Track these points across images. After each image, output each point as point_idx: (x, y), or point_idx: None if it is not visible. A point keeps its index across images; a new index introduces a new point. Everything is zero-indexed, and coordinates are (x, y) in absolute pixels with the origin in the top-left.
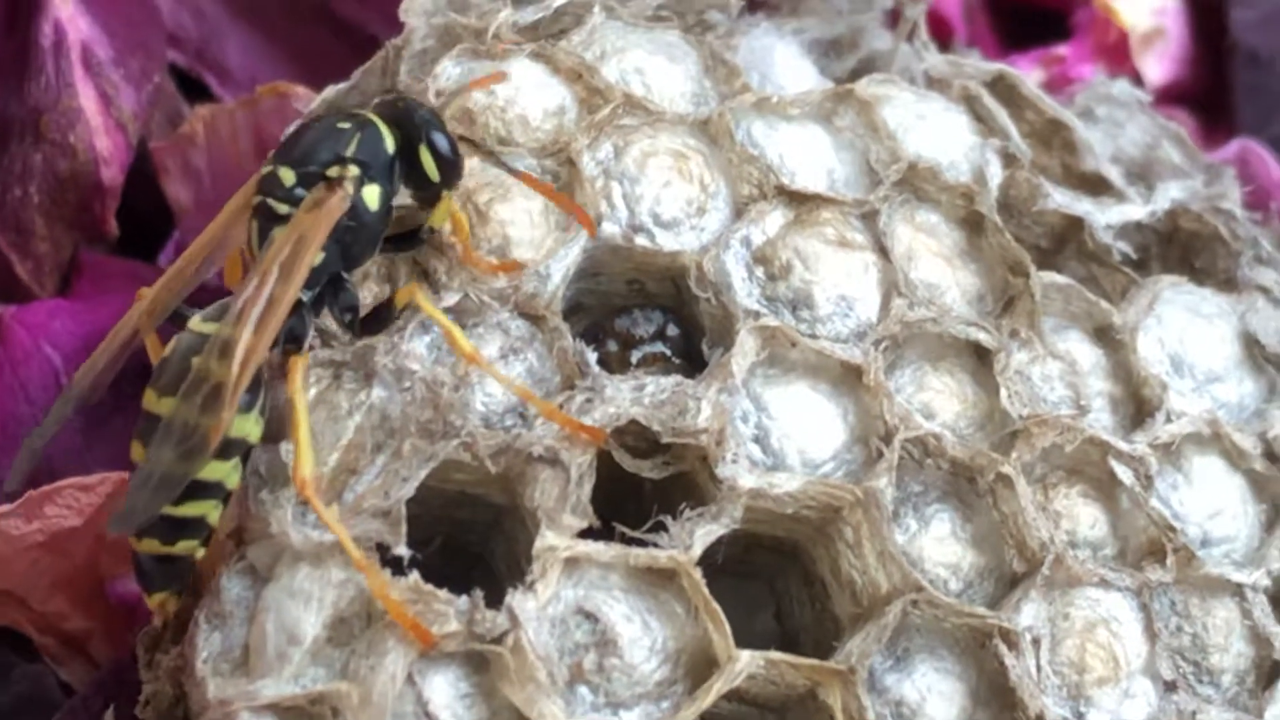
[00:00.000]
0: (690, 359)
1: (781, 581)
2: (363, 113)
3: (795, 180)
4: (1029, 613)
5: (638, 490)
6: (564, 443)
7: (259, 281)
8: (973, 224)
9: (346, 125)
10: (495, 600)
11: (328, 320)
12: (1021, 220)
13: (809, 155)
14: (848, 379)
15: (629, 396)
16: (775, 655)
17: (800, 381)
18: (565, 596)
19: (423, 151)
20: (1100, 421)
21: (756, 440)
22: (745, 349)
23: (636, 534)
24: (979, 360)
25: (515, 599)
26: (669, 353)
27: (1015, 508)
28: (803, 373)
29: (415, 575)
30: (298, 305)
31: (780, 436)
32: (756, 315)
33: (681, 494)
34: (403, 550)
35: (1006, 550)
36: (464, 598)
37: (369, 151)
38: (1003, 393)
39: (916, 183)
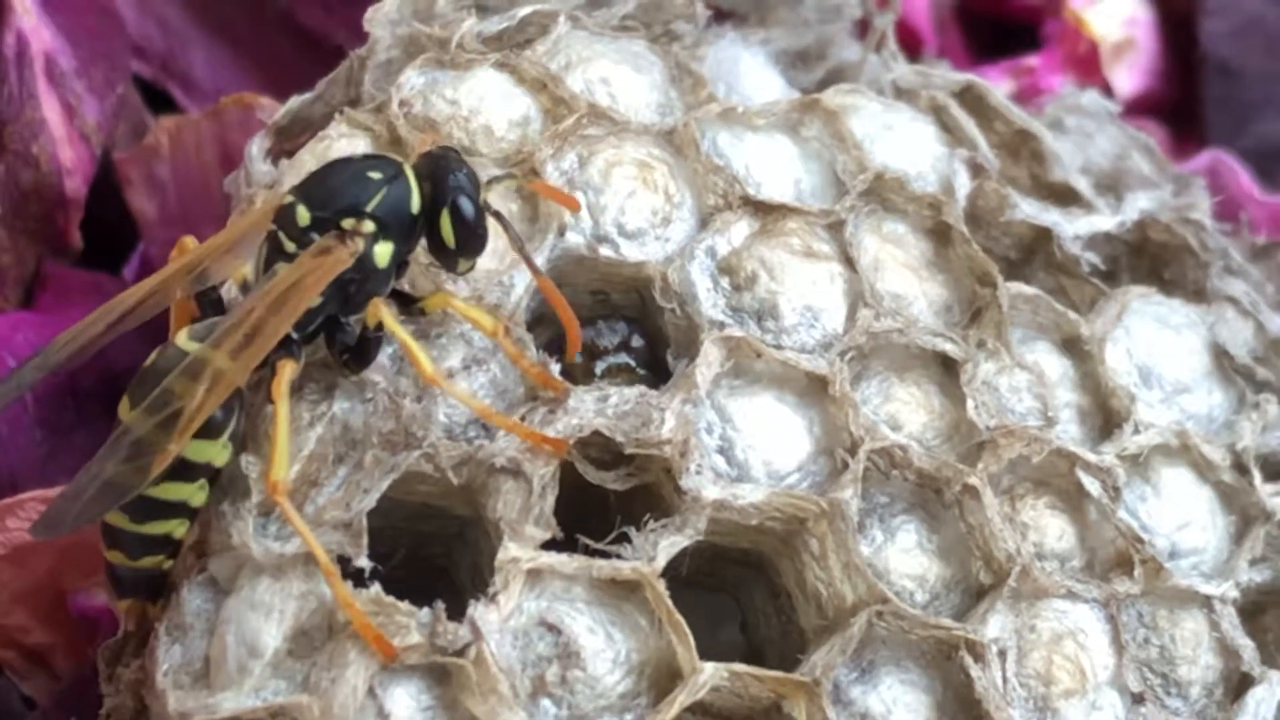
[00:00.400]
0: (655, 370)
1: (747, 594)
2: (400, 162)
3: (761, 190)
4: (995, 624)
5: (602, 502)
6: (526, 454)
7: (248, 311)
8: (940, 234)
9: (377, 175)
10: (458, 612)
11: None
12: (989, 231)
13: (775, 165)
14: (813, 390)
15: (592, 408)
16: (739, 667)
17: (765, 393)
18: (528, 608)
19: (444, 215)
20: (1068, 433)
21: (721, 451)
22: (710, 360)
23: (600, 546)
24: (946, 371)
25: (477, 611)
26: (633, 363)
27: (982, 519)
28: (768, 384)
29: (377, 587)
30: (286, 340)
31: (745, 448)
32: (721, 326)
33: (645, 505)
34: (364, 562)
35: (973, 562)
36: (426, 610)
37: (390, 209)
38: (969, 404)
39: (883, 193)
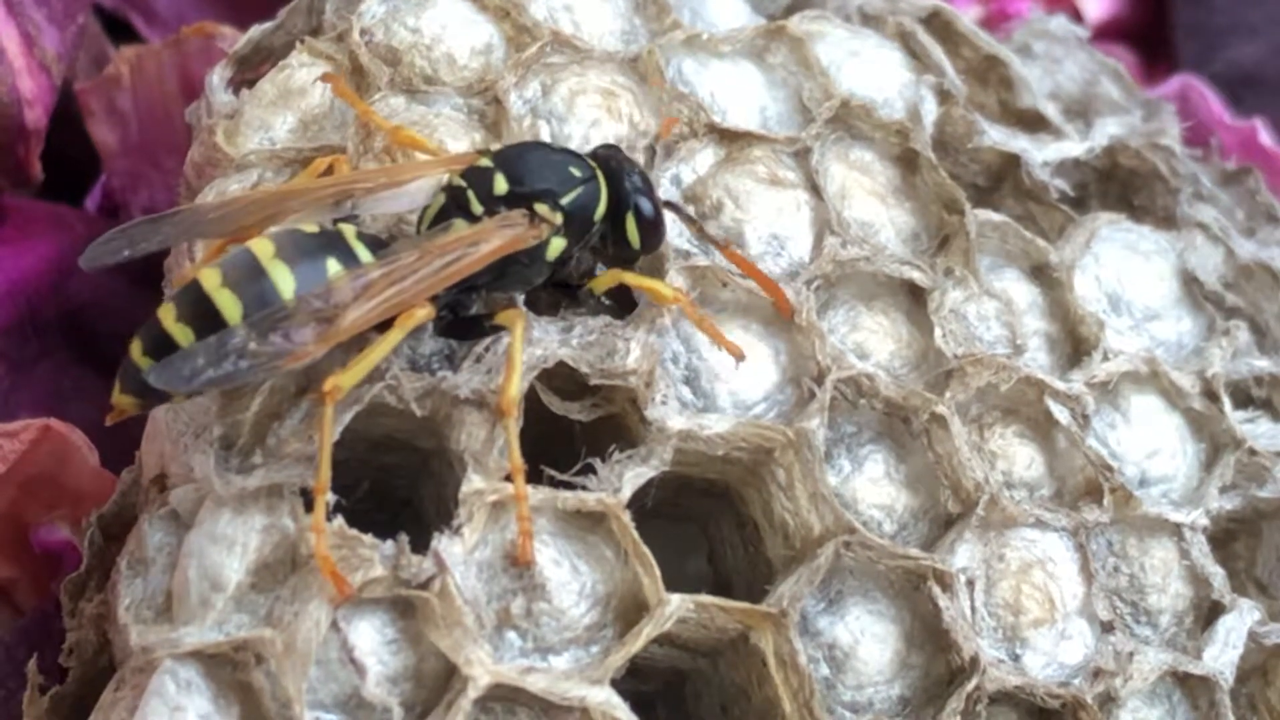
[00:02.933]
0: (619, 300)
1: (714, 525)
2: (594, 166)
3: (726, 118)
4: (964, 554)
5: (567, 433)
6: (490, 384)
7: (418, 258)
8: (907, 162)
9: (577, 173)
10: (423, 545)
11: None
12: (957, 158)
13: (740, 93)
14: (779, 321)
15: (557, 338)
16: (706, 599)
17: (731, 322)
18: (492, 541)
19: (629, 219)
20: (1036, 360)
21: (686, 382)
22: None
23: (565, 477)
24: (914, 300)
25: (441, 543)
26: (588, 302)
27: (950, 448)
28: (734, 313)
29: (340, 520)
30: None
31: (711, 378)
32: (687, 255)
33: (611, 437)
34: (327, 495)
35: (941, 491)
36: (389, 543)
37: (579, 208)
38: (937, 332)
39: (850, 120)
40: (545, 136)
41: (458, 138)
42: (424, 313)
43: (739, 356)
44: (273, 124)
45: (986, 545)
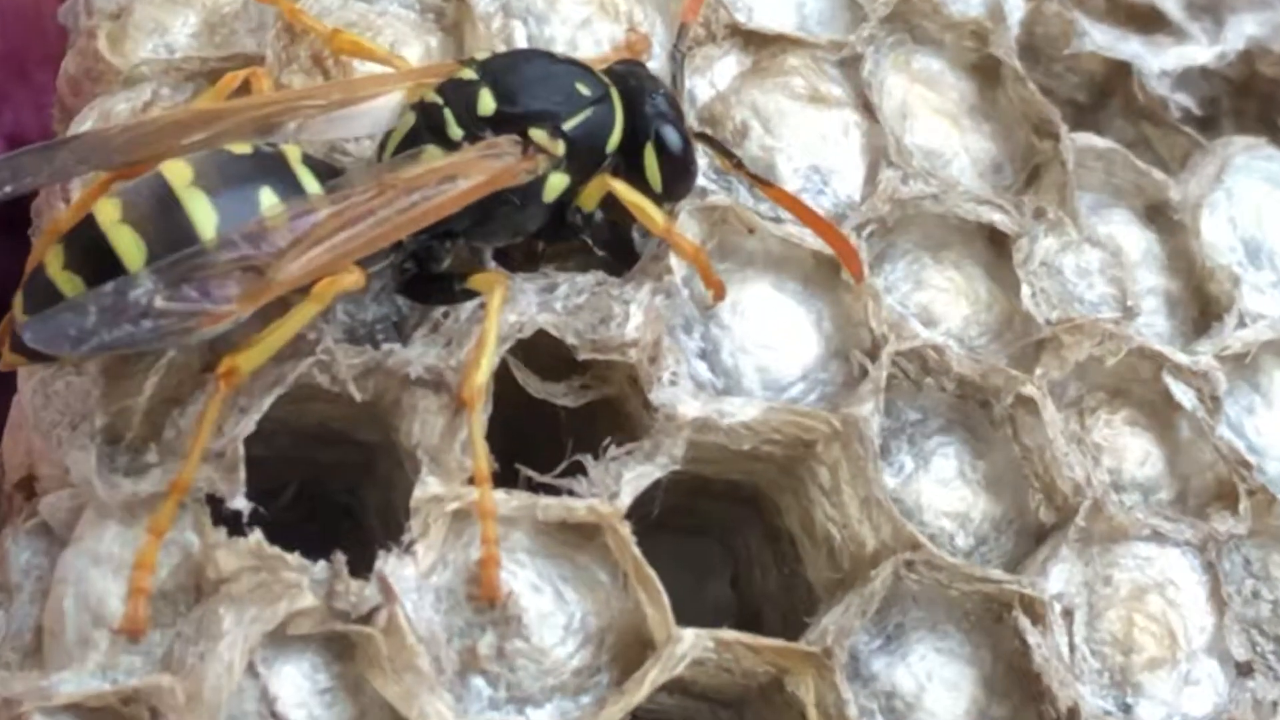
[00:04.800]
0: (616, 250)
1: (738, 539)
2: (607, 84)
3: (753, 17)
4: (1059, 576)
5: (549, 423)
6: (450, 361)
7: (378, 194)
8: (986, 72)
9: (585, 91)
10: (364, 566)
11: None
12: (1051, 67)
13: None
14: (822, 275)
15: (535, 300)
16: (729, 634)
17: (760, 279)
18: (454, 561)
19: (648, 151)
20: (1153, 327)
21: (703, 355)
22: (687, 235)
23: (547, 479)
24: (994, 249)
25: (389, 564)
26: (589, 242)
27: (1041, 440)
28: (763, 267)
29: (258, 535)
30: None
31: (734, 350)
32: (703, 192)
33: (605, 426)
34: (241, 503)
35: (1030, 495)
36: (322, 563)
37: (586, 135)
38: (1025, 290)
39: (912, 18)
40: (521, 40)
41: (408, 43)
42: (353, 278)
43: (719, 296)
44: (170, 26)
45: (1089, 565)
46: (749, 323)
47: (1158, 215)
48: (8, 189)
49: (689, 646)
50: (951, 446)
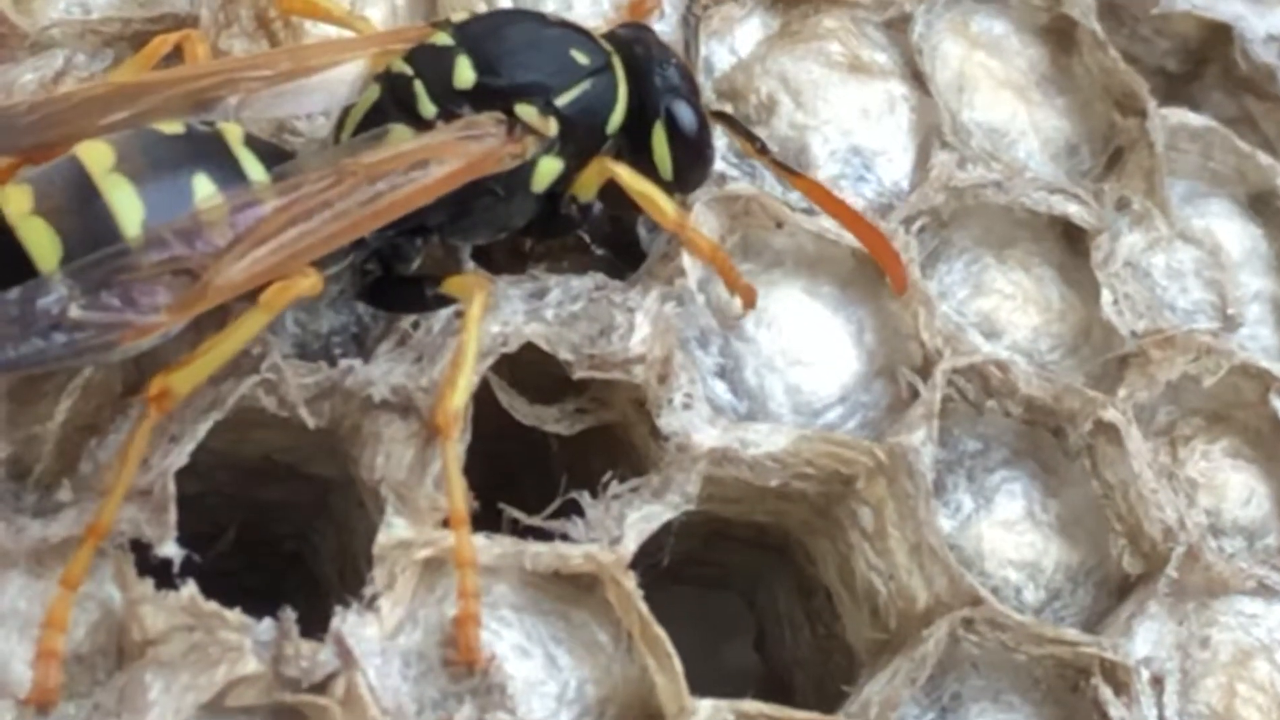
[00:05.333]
0: (619, 248)
1: (765, 592)
2: (609, 52)
3: None
4: (1147, 637)
5: (539, 453)
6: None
7: (335, 182)
8: (1059, 36)
9: (582, 60)
10: (318, 625)
11: None
12: (1136, 29)
13: None
14: (864, 277)
15: (522, 307)
16: (754, 706)
17: (790, 282)
18: (425, 618)
19: (657, 133)
20: (1259, 340)
21: (722, 374)
22: (704, 231)
23: (536, 520)
24: (1070, 246)
25: (347, 622)
26: (586, 238)
27: (1125, 474)
28: (794, 269)
29: (192, 588)
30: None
31: (759, 368)
32: (722, 179)
33: (605, 458)
34: (172, 549)
35: (1112, 540)
36: (268, 621)
37: (582, 112)
38: (1105, 296)
39: None
40: (504, 0)
41: (370, 1)
42: (309, 283)
43: (749, 303)
44: None
45: (1183, 623)
46: (777, 335)
47: (1264, 206)
48: None
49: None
50: (1018, 482)
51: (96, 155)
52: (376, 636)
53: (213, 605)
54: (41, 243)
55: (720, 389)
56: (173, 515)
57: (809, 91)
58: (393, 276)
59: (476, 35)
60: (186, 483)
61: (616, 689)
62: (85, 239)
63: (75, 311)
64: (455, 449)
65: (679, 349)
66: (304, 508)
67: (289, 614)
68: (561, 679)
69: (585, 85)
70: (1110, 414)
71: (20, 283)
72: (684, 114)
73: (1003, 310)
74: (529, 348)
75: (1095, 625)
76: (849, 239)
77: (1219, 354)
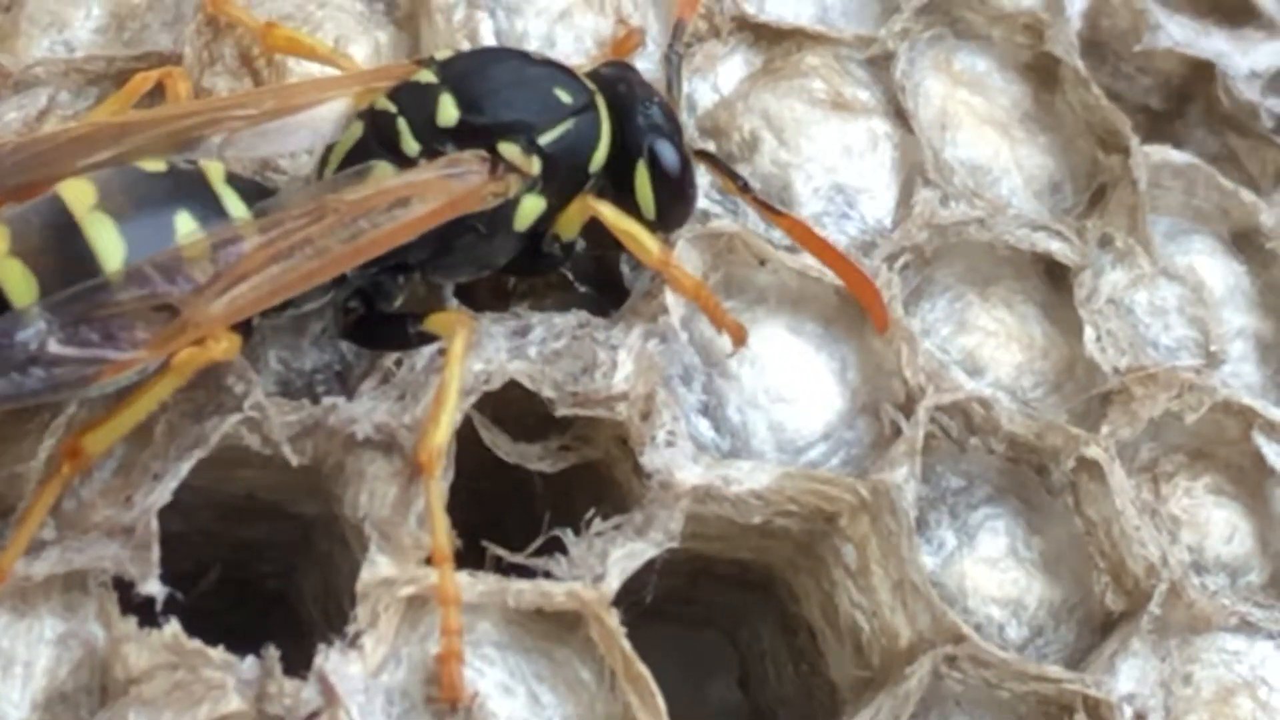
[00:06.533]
0: (602, 286)
1: (748, 630)
2: (592, 90)
3: (764, 7)
4: (1130, 674)
5: (522, 491)
6: (404, 418)
7: (317, 219)
8: (1042, 73)
9: (565, 99)
10: (301, 662)
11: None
12: (1119, 67)
13: None
14: (847, 315)
15: (505, 345)
16: None
17: (774, 320)
18: (409, 656)
19: (640, 172)
20: (1241, 377)
21: (705, 411)
22: (687, 269)
23: (519, 558)
24: (1052, 283)
25: (330, 660)
26: (569, 276)
27: (1108, 511)
28: (777, 306)
29: (175, 626)
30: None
31: (742, 405)
32: (705, 216)
33: (589, 496)
34: (155, 587)
35: (1095, 577)
36: (251, 659)
37: (565, 151)
38: (1088, 333)
39: (954, 9)
40: (488, 35)
41: (354, 39)
42: (222, 348)
43: (739, 340)
44: (69, 19)
45: (1165, 660)
46: (760, 372)
47: (1246, 243)
48: None
49: None
50: (1001, 519)
51: (78, 193)
52: (360, 674)
53: (196, 643)
54: (17, 282)
55: (703, 426)
56: (156, 553)
57: (792, 129)
58: (375, 314)
59: (460, 73)
60: (170, 521)
61: None
62: (65, 277)
63: (54, 346)
64: (438, 486)
65: (662, 386)
66: (287, 546)
67: (272, 652)
68: (545, 716)
69: (568, 124)
70: (1093, 451)
71: None
72: (667, 153)
73: (986, 347)
74: (512, 385)
75: (1078, 662)
76: (832, 276)
77: (1201, 391)
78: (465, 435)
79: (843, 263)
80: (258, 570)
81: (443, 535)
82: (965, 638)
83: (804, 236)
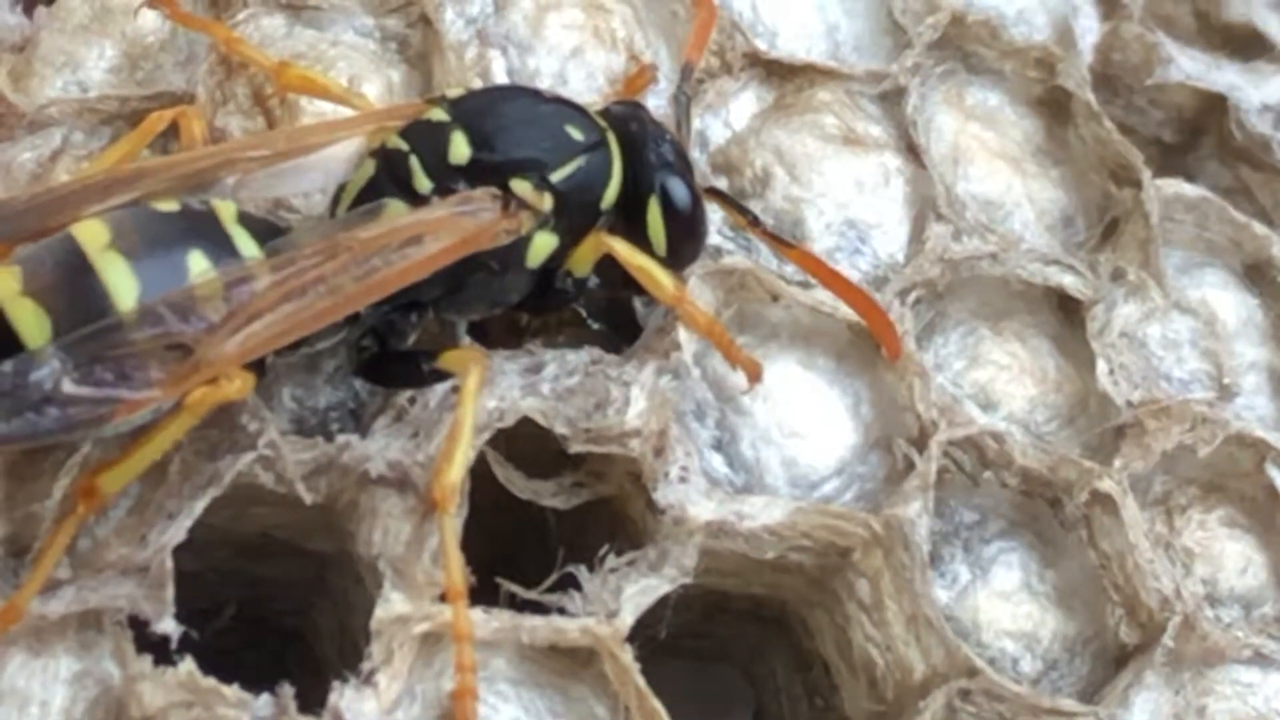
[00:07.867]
0: (615, 323)
1: (762, 665)
2: (604, 128)
3: (776, 44)
4: (1144, 707)
5: (536, 527)
6: (417, 455)
7: (329, 257)
8: (1054, 108)
9: (577, 135)
10: (316, 700)
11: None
12: (1131, 101)
13: (798, 3)
14: (859, 350)
15: (518, 382)
16: None
17: (786, 355)
18: (424, 693)
19: (651, 208)
20: (1255, 409)
21: (718, 447)
22: (700, 304)
23: (533, 594)
24: (1065, 317)
25: (345, 697)
26: (582, 313)
27: (1121, 544)
28: (790, 341)
29: (190, 664)
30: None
31: (755, 441)
32: (717, 252)
33: (602, 532)
34: (169, 626)
35: (1109, 610)
36: (266, 697)
37: (578, 187)
38: (1101, 366)
39: (966, 44)
40: (500, 73)
41: (366, 77)
42: (235, 387)
43: (754, 377)
44: (83, 60)
45: (1179, 693)
46: (773, 407)
47: (1260, 276)
48: None
49: None
50: (1015, 553)
51: (91, 233)
52: (374, 711)
53: (211, 681)
54: (30, 323)
55: (717, 462)
56: (170, 591)
57: (803, 164)
58: (389, 352)
59: (472, 111)
60: (184, 559)
61: None
62: (78, 317)
63: (68, 386)
64: (452, 523)
65: (675, 422)
66: (302, 584)
67: (287, 689)
68: None
69: (580, 161)
70: (1106, 484)
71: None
72: (678, 190)
73: (999, 381)
74: (525, 422)
75: (1092, 695)
76: (845, 311)
77: (1214, 424)
78: (479, 472)
79: (854, 292)
80: (273, 608)
81: (457, 572)
82: (979, 671)
83: (814, 267)
